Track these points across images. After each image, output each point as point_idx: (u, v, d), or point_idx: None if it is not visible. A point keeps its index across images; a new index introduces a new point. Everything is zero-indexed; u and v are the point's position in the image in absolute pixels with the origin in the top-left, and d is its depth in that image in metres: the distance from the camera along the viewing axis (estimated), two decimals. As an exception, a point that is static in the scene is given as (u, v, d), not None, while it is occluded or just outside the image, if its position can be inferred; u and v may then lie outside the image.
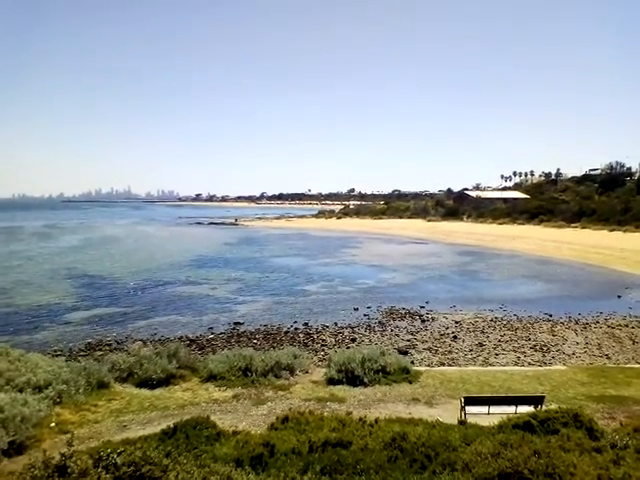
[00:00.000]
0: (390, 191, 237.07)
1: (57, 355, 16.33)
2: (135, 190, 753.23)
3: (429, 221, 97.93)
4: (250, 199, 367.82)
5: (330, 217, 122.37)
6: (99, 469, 4.98)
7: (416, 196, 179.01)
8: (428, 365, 16.20)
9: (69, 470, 4.79)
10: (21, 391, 10.54)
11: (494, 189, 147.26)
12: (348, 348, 17.42)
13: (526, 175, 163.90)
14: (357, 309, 25.67)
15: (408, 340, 19.90)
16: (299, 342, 19.63)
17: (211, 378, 12.93)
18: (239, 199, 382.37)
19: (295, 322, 23.00)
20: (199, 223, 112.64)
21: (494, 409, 9.60)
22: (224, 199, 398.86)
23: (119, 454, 5.18)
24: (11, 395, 9.85)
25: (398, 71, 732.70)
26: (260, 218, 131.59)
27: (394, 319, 23.57)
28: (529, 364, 16.62)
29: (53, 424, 9.85)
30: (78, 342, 19.73)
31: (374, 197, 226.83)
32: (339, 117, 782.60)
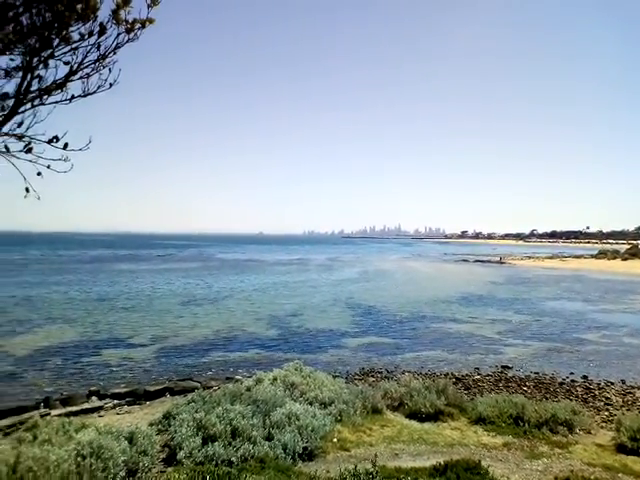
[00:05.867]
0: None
1: (336, 376, 18.02)
2: (404, 227, 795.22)
3: None
4: (518, 237, 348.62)
5: (614, 258, 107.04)
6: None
7: None
8: None
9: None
10: (310, 404, 12.10)
11: None
12: (642, 412, 14.90)
13: None
14: (654, 367, 21.78)
15: None
16: (576, 397, 17.58)
17: (479, 421, 12.63)
18: (506, 237, 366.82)
19: (572, 373, 20.71)
20: (464, 260, 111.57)
21: None
22: (490, 236, 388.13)
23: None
24: (304, 407, 11.41)
25: None
26: (529, 257, 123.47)
27: None
28: None
29: (335, 439, 10.97)
30: (353, 366, 21.47)
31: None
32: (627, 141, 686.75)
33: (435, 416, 12.91)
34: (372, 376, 19.97)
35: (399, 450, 10.73)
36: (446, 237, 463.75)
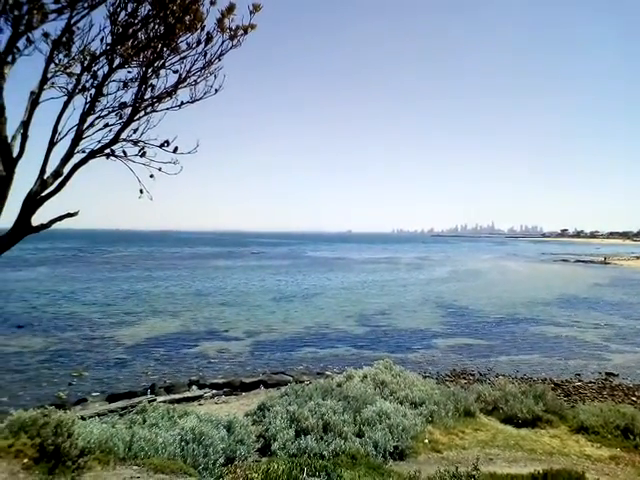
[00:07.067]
0: None
1: (426, 377, 17.73)
2: (498, 226, 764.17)
3: None
4: (625, 235, 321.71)
5: None
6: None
7: None
8: None
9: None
10: (401, 404, 12.01)
11: None
12: None
13: None
14: None
15: None
16: (698, 411, 16.03)
17: (581, 430, 11.86)
18: (611, 235, 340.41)
19: (691, 385, 18.93)
20: (564, 260, 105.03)
21: None
22: (593, 235, 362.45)
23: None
24: (394, 405, 11.36)
25: None
26: (638, 257, 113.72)
27: None
28: None
29: (426, 440, 10.82)
30: (444, 367, 21.04)
31: None
32: None
33: (532, 422, 12.30)
34: (464, 378, 19.46)
35: (494, 455, 10.36)
36: (544, 236, 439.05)
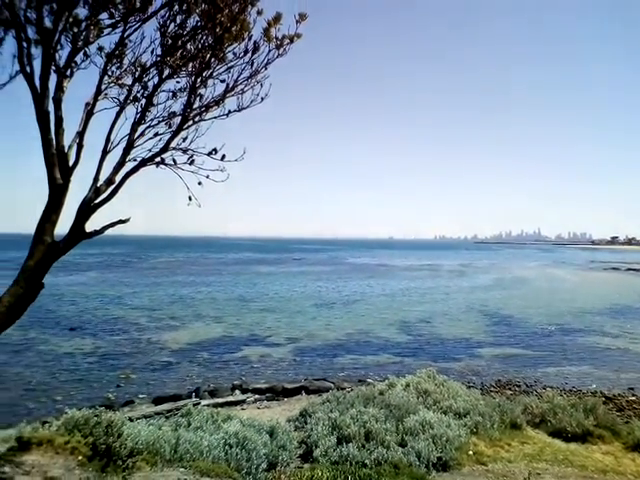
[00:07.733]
0: None
1: (470, 387, 17.34)
2: (544, 232, 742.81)
3: None
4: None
5: None
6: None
7: None
8: None
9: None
10: (444, 414, 11.77)
11: None
12: None
13: None
14: None
15: None
16: None
17: (638, 447, 11.31)
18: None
19: None
20: (615, 268, 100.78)
21: None
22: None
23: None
24: (438, 415, 11.16)
25: None
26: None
27: None
28: None
29: (471, 452, 10.56)
30: (488, 377, 20.55)
31: None
32: None
33: (582, 437, 11.79)
34: (509, 389, 18.95)
35: (541, 470, 9.99)
36: (593, 243, 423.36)
